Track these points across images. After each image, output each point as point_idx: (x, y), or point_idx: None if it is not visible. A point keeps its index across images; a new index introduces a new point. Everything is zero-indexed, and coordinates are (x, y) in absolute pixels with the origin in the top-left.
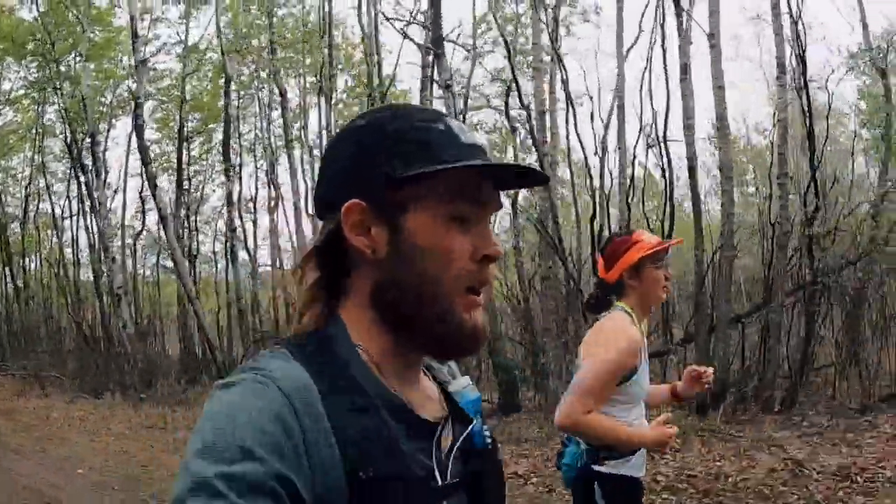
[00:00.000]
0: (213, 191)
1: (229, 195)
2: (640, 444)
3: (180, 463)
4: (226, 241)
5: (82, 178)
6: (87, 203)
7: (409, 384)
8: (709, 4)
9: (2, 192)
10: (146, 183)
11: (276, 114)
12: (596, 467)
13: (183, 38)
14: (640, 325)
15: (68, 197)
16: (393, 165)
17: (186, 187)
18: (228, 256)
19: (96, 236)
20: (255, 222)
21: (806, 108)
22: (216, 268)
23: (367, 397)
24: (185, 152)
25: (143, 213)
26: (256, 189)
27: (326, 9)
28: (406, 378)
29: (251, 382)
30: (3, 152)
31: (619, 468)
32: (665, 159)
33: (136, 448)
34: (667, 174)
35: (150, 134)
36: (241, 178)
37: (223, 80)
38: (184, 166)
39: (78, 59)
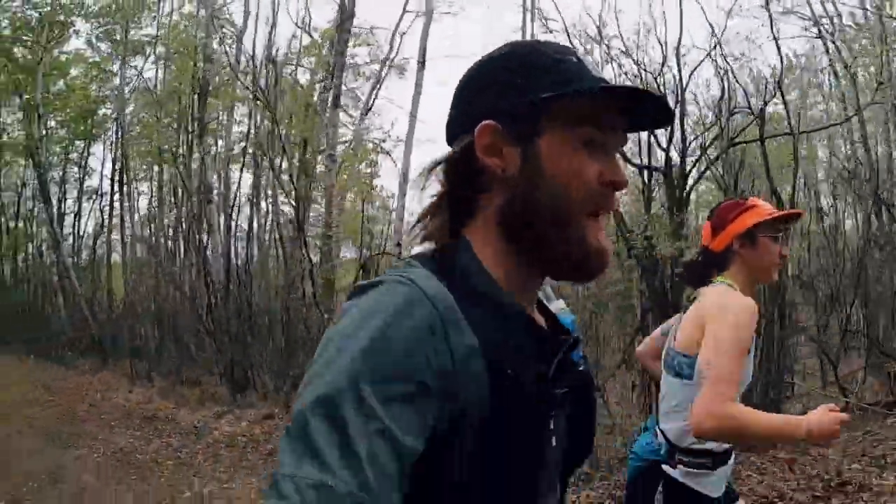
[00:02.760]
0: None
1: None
2: (800, 433)
3: (324, 353)
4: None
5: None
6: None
7: (528, 303)
8: None
9: None
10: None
11: None
12: (667, 468)
13: None
14: None
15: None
16: (530, 90)
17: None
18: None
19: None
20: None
21: None
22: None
23: (499, 307)
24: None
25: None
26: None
27: None
28: (525, 298)
29: (397, 284)
30: None
31: (693, 480)
32: None
33: None
34: None
35: None
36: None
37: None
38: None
39: None
